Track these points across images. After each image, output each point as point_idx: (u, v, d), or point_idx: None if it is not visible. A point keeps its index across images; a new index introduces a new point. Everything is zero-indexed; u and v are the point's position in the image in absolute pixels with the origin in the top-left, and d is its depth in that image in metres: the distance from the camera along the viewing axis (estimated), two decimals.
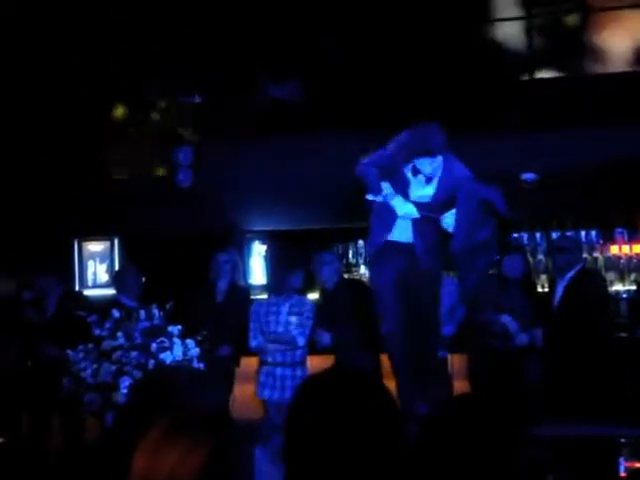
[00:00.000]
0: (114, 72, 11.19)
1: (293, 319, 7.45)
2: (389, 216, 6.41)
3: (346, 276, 9.58)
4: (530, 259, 9.38)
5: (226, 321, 7.70)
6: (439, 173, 6.28)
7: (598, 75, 10.34)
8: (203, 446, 1.97)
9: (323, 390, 2.04)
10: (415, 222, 6.34)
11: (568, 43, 10.52)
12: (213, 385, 2.13)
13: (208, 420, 2.03)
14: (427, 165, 6.25)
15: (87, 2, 10.67)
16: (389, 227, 6.43)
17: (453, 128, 6.29)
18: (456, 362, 7.76)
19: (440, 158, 6.24)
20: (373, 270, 6.74)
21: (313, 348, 7.64)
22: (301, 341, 7.43)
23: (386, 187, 6.36)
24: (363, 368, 6.43)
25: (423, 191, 6.35)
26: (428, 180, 6.31)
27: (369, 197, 6.48)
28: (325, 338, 7.51)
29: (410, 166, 6.33)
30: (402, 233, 6.41)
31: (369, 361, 7.28)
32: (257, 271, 10.79)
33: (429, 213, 6.27)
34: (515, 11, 10.56)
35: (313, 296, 8.50)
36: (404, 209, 6.30)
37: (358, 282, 8.82)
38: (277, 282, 7.73)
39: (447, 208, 6.27)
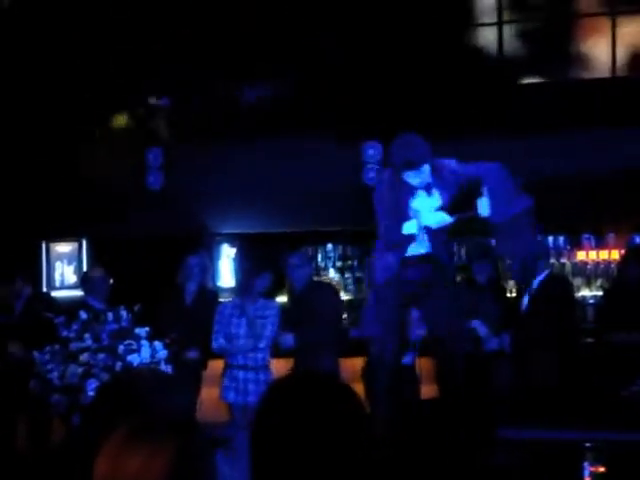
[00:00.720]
0: (84, 73, 11.15)
1: (256, 321, 7.44)
2: (399, 234, 6.29)
3: (315, 279, 9.58)
4: (499, 264, 9.43)
5: (194, 324, 7.67)
6: (429, 180, 6.14)
7: (571, 80, 10.43)
8: (168, 450, 1.96)
9: (289, 394, 2.04)
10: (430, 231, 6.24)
11: (553, 49, 10.59)
12: (180, 388, 2.13)
13: (174, 423, 2.02)
14: (413, 177, 6.10)
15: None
16: (403, 246, 6.33)
17: (431, 133, 6.27)
18: (424, 366, 7.78)
19: (426, 167, 6.07)
20: (382, 290, 6.63)
21: (277, 351, 7.63)
22: (262, 343, 7.40)
23: (415, 205, 6.16)
24: (328, 371, 6.45)
25: (431, 203, 6.25)
26: (427, 190, 6.20)
27: (407, 230, 6.29)
28: (288, 340, 7.49)
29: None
30: (414, 247, 6.33)
31: (330, 364, 7.29)
32: (226, 274, 10.77)
33: (460, 214, 6.18)
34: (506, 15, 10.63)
35: (282, 299, 8.51)
36: (436, 219, 6.15)
37: (326, 285, 8.81)
38: (243, 285, 7.72)
39: (468, 204, 6.17)
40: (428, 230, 6.20)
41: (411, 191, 6.16)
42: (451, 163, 6.26)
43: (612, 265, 9.93)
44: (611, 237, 10.42)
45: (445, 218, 6.14)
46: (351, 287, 11.01)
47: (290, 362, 7.51)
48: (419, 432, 2.16)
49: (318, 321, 7.40)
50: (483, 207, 6.13)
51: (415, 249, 6.28)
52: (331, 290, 8.11)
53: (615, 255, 10.07)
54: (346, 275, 11.03)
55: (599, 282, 10.33)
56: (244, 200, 10.40)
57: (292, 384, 2.09)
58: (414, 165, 6.04)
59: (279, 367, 7.46)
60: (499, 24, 10.72)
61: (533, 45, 10.71)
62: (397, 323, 6.51)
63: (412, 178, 6.10)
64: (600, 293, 9.53)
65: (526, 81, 10.69)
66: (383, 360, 6.50)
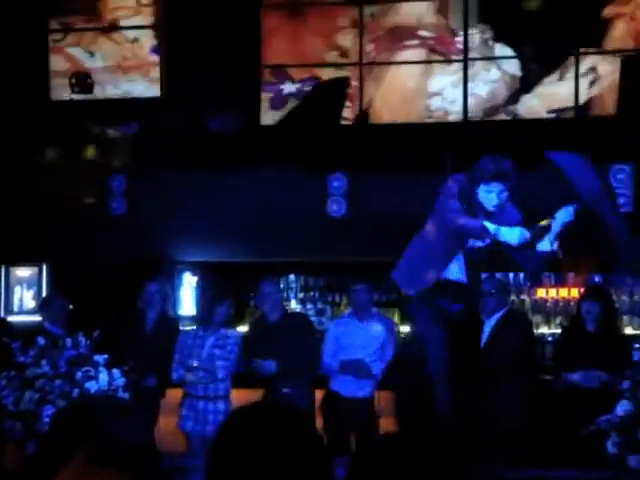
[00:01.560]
0: (47, 99, 11.11)
1: (216, 351, 7.40)
2: (441, 252, 6.28)
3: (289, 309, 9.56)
4: None
5: (154, 352, 7.62)
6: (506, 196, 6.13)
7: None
8: (126, 477, 1.95)
9: (248, 425, 2.04)
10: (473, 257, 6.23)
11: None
12: (137, 416, 2.11)
13: (131, 451, 2.00)
14: (495, 192, 6.04)
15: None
16: (443, 264, 6.32)
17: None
18: (383, 399, 7.77)
19: (505, 186, 6.07)
20: (416, 310, 6.63)
21: (238, 381, 7.58)
22: (221, 373, 7.35)
23: (489, 225, 6.02)
24: (292, 402, 6.41)
25: (507, 219, 6.17)
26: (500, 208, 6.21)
27: (478, 244, 6.25)
28: (269, 366, 7.40)
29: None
30: (456, 271, 6.32)
31: (304, 395, 7.26)
32: (187, 302, 10.72)
33: (536, 225, 6.12)
34: None
35: (243, 328, 8.47)
36: (515, 234, 5.97)
37: (303, 316, 8.75)
38: (204, 314, 7.69)
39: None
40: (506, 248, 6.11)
41: (483, 210, 6.15)
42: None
43: (571, 303, 10.00)
44: (571, 275, 10.50)
45: (524, 233, 5.98)
46: (313, 318, 10.99)
47: (249, 393, 7.46)
48: (378, 468, 2.15)
49: (295, 352, 7.35)
50: (566, 212, 6.05)
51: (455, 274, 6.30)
52: (307, 321, 8.09)
53: (574, 293, 10.16)
54: (308, 306, 11.02)
55: (558, 320, 10.40)
56: (207, 229, 10.38)
57: (249, 415, 2.08)
58: (503, 177, 6.02)
59: (239, 397, 7.41)
60: None
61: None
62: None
63: (492, 194, 6.08)
64: (558, 331, 9.59)
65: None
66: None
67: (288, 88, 11.02)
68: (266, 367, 7.38)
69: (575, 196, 6.08)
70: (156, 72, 11.16)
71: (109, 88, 11.22)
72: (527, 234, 5.97)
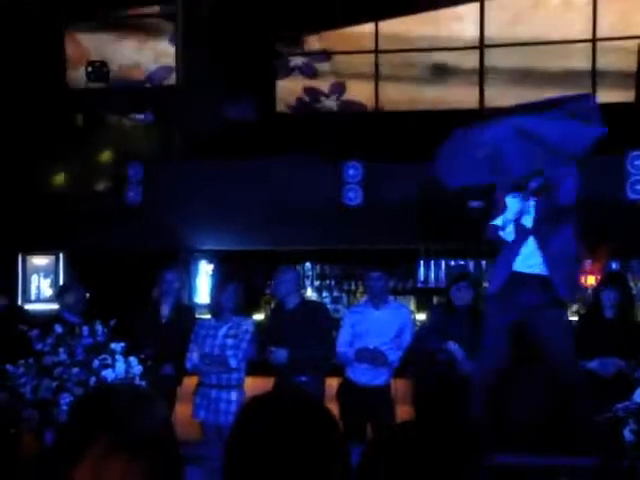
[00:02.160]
0: (63, 87, 11.14)
1: (229, 341, 7.39)
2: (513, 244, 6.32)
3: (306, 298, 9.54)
4: (478, 288, 9.44)
5: (170, 340, 7.64)
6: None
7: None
8: (144, 465, 1.95)
9: (265, 413, 2.03)
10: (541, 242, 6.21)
11: None
12: (155, 404, 2.11)
13: (148, 439, 2.01)
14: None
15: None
16: (514, 255, 6.34)
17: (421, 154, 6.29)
18: (400, 387, 7.77)
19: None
20: (493, 306, 6.65)
21: (253, 369, 7.58)
22: (233, 363, 7.33)
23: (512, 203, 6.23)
24: (307, 391, 6.42)
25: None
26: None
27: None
28: (282, 355, 7.40)
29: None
30: (526, 262, 6.32)
31: (315, 384, 7.26)
32: (203, 291, 10.74)
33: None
34: None
35: (259, 317, 8.48)
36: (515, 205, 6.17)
37: (319, 304, 8.74)
38: (212, 302, 7.71)
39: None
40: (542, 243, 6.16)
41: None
42: None
43: (588, 290, 9.96)
44: (588, 263, 10.46)
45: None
46: (329, 306, 10.99)
47: (263, 381, 7.46)
48: (394, 455, 2.15)
49: (310, 341, 7.35)
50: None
51: (532, 267, 6.29)
52: (324, 310, 8.08)
53: (592, 280, 10.11)
54: (324, 294, 11.03)
55: (575, 308, 10.36)
56: (223, 217, 10.39)
57: (267, 404, 2.08)
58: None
59: (252, 386, 7.42)
60: None
61: None
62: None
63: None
64: (576, 318, 9.55)
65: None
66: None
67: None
68: (278, 356, 7.38)
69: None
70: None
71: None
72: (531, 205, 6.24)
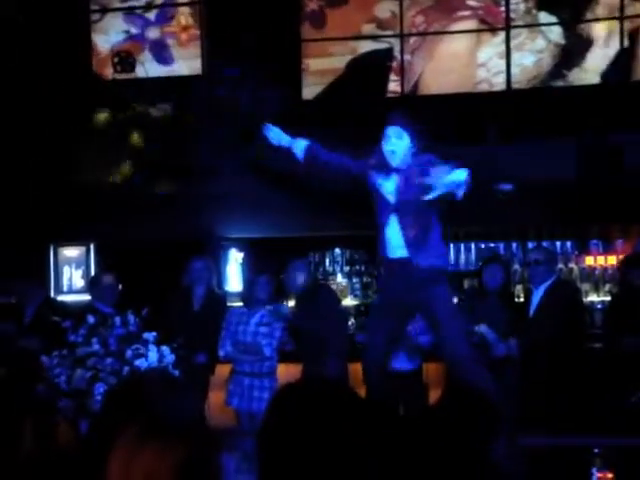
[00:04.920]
0: (93, 77, 11.18)
1: (262, 329, 7.43)
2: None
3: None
4: (509, 269, 9.43)
5: (202, 328, 7.68)
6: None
7: (574, 87, 10.42)
8: (177, 452, 1.97)
9: (297, 401, 2.04)
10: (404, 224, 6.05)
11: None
12: (187, 390, 2.13)
13: (181, 426, 2.02)
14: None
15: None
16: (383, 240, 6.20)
17: (433, 137, 6.26)
18: (432, 371, 7.77)
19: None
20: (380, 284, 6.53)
21: (284, 356, 7.63)
22: (268, 351, 7.39)
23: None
24: (337, 378, 6.44)
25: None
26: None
27: None
28: (289, 344, 7.54)
29: None
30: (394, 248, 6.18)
31: (341, 369, 7.28)
32: (233, 279, 10.77)
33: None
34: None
35: (291, 303, 8.51)
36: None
37: (327, 287, 8.72)
38: (244, 292, 7.76)
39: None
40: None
41: None
42: None
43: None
44: (619, 242, 10.41)
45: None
46: (359, 292, 11.00)
47: (294, 368, 7.51)
48: (426, 436, 2.15)
49: (322, 325, 7.38)
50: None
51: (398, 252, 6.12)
52: (334, 294, 8.13)
53: (612, 261, 10.12)
54: (354, 280, 11.03)
55: (607, 287, 10.31)
56: (252, 205, 10.39)
57: (299, 391, 2.09)
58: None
59: (284, 373, 7.46)
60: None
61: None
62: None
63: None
64: (608, 298, 9.52)
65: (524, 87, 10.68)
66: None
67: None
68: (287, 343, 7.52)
69: None
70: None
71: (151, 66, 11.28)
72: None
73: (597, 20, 10.46)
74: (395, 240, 6.01)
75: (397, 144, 6.03)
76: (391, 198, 6.06)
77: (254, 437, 2.05)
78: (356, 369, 7.53)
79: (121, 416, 2.06)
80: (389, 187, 6.08)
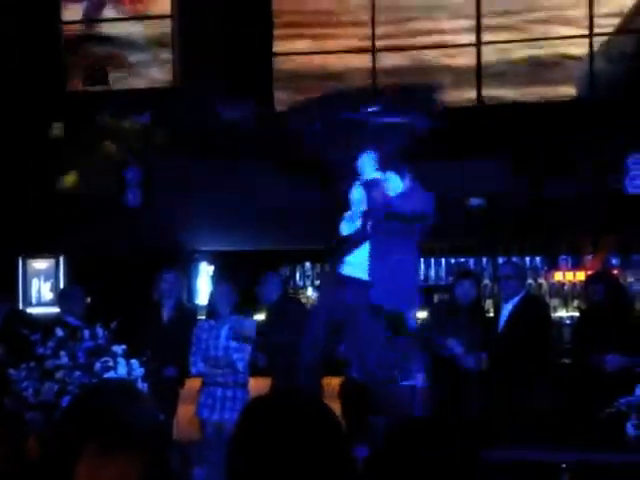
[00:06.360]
0: (63, 88, 11.14)
1: (233, 343, 7.42)
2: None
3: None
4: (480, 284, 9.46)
5: (172, 341, 7.64)
6: None
7: (548, 102, 10.50)
8: (140, 463, 1.96)
9: (268, 413, 2.04)
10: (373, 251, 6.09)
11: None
12: (144, 400, 2.11)
13: (143, 436, 2.02)
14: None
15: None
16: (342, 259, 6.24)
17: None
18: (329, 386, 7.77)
19: None
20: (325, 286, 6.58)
21: (255, 370, 7.62)
22: (241, 366, 7.39)
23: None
24: (308, 391, 6.43)
25: None
26: None
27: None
28: (261, 360, 7.54)
29: None
30: (355, 268, 6.18)
31: (312, 383, 7.27)
32: (204, 292, 10.74)
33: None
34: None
35: (260, 317, 8.49)
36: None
37: (298, 301, 8.78)
38: (210, 307, 7.77)
39: None
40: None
41: None
42: None
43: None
44: (588, 258, 10.47)
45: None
46: None
47: (267, 381, 7.49)
48: (394, 454, 2.15)
49: (293, 339, 7.38)
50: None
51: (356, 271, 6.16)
52: (304, 307, 8.15)
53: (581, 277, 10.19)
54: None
55: (575, 303, 10.37)
56: (223, 217, 10.38)
57: (270, 403, 2.09)
58: None
59: (256, 385, 7.45)
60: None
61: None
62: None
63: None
64: (577, 314, 9.57)
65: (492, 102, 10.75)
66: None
67: None
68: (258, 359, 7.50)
69: None
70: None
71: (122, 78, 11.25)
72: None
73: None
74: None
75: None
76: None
77: (224, 449, 2.04)
78: (332, 383, 7.53)
79: (81, 429, 2.05)
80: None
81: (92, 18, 11.43)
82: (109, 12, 11.48)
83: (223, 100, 10.53)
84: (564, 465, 5.82)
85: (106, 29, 11.46)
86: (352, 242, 6.13)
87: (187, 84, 10.91)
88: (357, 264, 6.18)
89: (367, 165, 6.16)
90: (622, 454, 5.91)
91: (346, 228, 6.26)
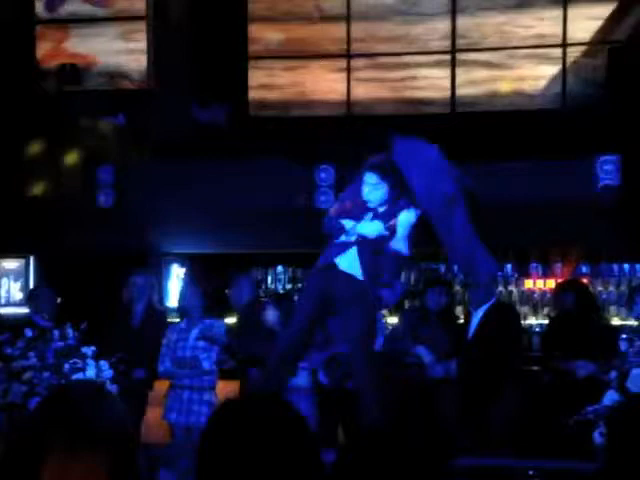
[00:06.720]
0: (34, 89, 11.08)
1: (201, 344, 7.42)
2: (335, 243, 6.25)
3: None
4: (452, 290, 9.48)
5: (141, 344, 7.63)
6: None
7: (517, 111, 10.56)
8: (107, 464, 1.96)
9: (237, 416, 2.04)
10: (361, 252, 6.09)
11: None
12: (112, 400, 2.11)
13: (108, 436, 2.01)
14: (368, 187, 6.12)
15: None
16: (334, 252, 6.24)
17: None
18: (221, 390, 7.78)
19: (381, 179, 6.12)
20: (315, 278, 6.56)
21: (223, 373, 7.60)
22: (207, 365, 7.37)
23: (346, 222, 6.15)
24: (277, 394, 6.41)
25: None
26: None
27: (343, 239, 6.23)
28: (228, 363, 7.54)
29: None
30: (348, 263, 6.18)
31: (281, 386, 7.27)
32: (175, 294, 10.70)
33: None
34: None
35: (232, 320, 8.48)
36: (371, 228, 6.09)
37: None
38: (178, 306, 7.76)
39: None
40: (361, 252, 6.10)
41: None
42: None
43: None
44: (558, 266, 10.53)
45: (380, 228, 6.03)
46: None
47: (233, 384, 7.48)
48: (363, 461, 2.16)
49: (262, 343, 7.37)
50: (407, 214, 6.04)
51: (345, 264, 6.17)
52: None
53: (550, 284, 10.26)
54: (296, 298, 11.00)
55: (545, 311, 10.42)
56: (195, 220, 10.36)
57: (239, 407, 2.08)
58: (376, 169, 6.09)
59: (222, 388, 7.44)
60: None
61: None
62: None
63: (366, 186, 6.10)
64: (546, 321, 9.62)
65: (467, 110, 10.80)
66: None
67: None
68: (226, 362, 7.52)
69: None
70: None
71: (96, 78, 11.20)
72: (381, 229, 6.00)
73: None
74: None
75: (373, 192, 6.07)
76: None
77: (193, 453, 2.04)
78: None
79: (50, 429, 2.04)
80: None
81: (66, 18, 11.36)
82: (83, 8, 11.43)
83: (197, 102, 10.52)
84: (531, 472, 5.84)
85: (80, 28, 11.41)
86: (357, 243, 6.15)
87: (161, 86, 10.88)
88: (353, 262, 6.17)
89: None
90: (589, 462, 5.94)
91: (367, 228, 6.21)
